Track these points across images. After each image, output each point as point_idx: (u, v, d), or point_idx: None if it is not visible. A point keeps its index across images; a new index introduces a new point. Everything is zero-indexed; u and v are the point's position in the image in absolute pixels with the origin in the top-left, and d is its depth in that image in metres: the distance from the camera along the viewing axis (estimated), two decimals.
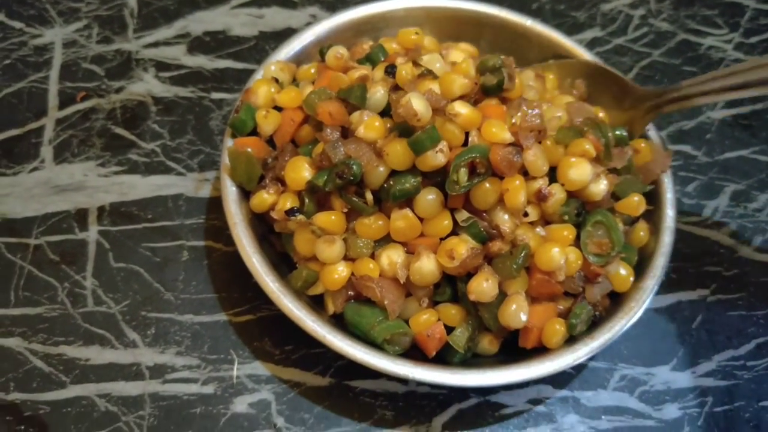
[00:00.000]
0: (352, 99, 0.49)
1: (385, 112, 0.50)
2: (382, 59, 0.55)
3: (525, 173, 0.47)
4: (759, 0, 0.77)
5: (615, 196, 0.52)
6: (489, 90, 0.50)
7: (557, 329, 0.48)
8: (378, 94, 0.49)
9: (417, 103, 0.46)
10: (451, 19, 0.63)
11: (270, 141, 0.53)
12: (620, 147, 0.52)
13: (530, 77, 0.57)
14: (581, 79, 0.59)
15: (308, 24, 0.68)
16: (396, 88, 0.51)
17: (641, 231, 0.53)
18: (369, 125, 0.48)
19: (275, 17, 0.70)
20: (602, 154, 0.49)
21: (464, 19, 0.63)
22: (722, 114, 0.69)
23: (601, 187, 0.48)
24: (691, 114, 0.68)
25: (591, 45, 0.72)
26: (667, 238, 0.53)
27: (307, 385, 0.52)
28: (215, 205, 0.58)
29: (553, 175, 0.49)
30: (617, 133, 0.52)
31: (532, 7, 0.74)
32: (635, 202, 0.52)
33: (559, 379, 0.54)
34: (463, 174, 0.46)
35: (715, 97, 0.52)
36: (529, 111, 0.48)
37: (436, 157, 0.45)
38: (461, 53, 0.56)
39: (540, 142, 0.48)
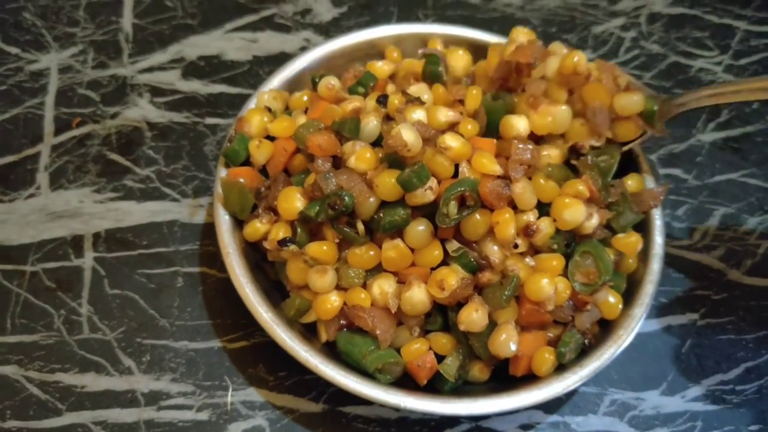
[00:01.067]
0: (346, 132, 0.50)
1: (377, 142, 0.50)
2: (372, 84, 0.56)
3: (515, 206, 0.48)
4: (749, 22, 0.78)
5: (610, 227, 0.52)
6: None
7: (546, 358, 0.49)
8: (371, 124, 0.50)
9: (407, 134, 0.47)
10: (443, 44, 0.63)
11: (263, 169, 0.54)
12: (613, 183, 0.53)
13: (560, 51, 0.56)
14: None
15: (302, 49, 0.69)
16: (388, 117, 0.51)
17: (630, 258, 0.53)
18: (360, 156, 0.48)
19: (269, 42, 0.71)
20: (597, 197, 0.50)
21: (456, 45, 0.64)
22: (712, 137, 0.69)
23: (592, 222, 0.49)
24: (682, 137, 0.69)
25: None
26: (655, 266, 0.53)
27: (301, 411, 0.53)
28: (210, 231, 0.59)
29: (542, 207, 0.49)
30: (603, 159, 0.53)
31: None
32: (633, 242, 0.52)
33: (549, 404, 0.54)
34: (452, 207, 0.46)
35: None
36: (520, 145, 0.48)
37: (425, 195, 0.46)
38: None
39: (530, 178, 0.49)
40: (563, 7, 0.77)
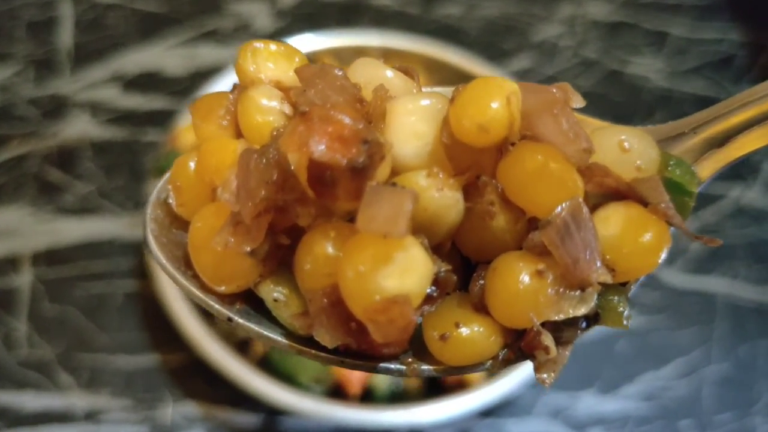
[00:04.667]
0: None
1: None
2: None
3: None
4: (683, 29, 0.80)
5: None
6: None
7: None
8: None
9: None
10: (382, 56, 0.65)
11: None
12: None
13: None
14: None
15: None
16: None
17: None
18: None
19: (209, 55, 0.71)
20: None
21: (393, 55, 0.65)
22: None
23: None
24: None
25: (520, 76, 0.74)
26: None
27: (239, 422, 0.54)
28: None
29: None
30: None
31: (463, 40, 0.76)
32: None
33: (486, 407, 0.56)
34: None
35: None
36: None
37: None
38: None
39: None
40: (502, 17, 0.79)
